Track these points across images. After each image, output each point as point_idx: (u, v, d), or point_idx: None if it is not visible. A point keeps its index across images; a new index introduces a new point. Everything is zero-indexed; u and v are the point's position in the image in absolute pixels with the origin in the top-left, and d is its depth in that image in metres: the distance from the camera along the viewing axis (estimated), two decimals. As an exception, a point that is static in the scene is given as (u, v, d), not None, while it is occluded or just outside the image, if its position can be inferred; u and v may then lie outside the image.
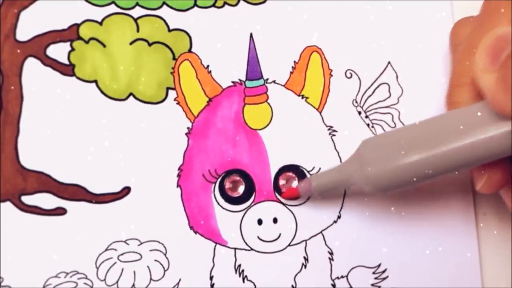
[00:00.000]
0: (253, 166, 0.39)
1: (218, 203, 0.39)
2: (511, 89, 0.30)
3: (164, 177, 0.39)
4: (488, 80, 0.31)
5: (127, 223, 0.38)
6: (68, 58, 0.39)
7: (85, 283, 0.38)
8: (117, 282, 0.38)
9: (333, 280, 0.39)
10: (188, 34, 0.40)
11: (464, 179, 0.39)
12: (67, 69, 0.39)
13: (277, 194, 0.39)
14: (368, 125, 0.40)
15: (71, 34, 0.39)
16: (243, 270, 0.38)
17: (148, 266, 0.38)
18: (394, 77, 0.40)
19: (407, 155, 0.33)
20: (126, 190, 0.39)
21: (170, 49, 0.40)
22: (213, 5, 0.40)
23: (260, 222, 0.39)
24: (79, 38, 0.39)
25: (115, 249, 0.38)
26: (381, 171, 0.33)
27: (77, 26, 0.40)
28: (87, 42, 0.39)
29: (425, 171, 0.33)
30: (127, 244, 0.38)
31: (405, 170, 0.33)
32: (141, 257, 0.38)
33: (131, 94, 0.39)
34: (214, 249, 0.39)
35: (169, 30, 0.40)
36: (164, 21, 0.40)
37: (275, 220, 0.39)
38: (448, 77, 0.36)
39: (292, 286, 0.38)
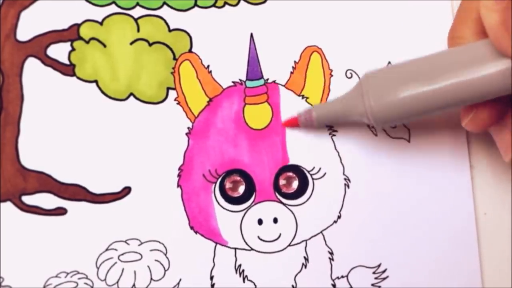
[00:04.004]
0: (253, 166, 0.39)
1: (219, 203, 0.39)
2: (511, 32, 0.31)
3: (164, 177, 0.39)
4: (492, 18, 0.32)
5: (127, 223, 0.39)
6: (69, 58, 0.39)
7: (86, 283, 0.38)
8: (117, 282, 0.38)
9: (333, 280, 0.39)
10: (188, 34, 0.40)
11: (464, 178, 0.39)
12: (68, 69, 0.39)
13: (277, 194, 0.39)
14: (368, 125, 0.40)
15: (71, 34, 0.39)
16: (243, 270, 0.38)
17: (148, 266, 0.38)
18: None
19: (408, 89, 0.34)
20: (126, 190, 0.39)
21: (171, 49, 0.40)
22: (214, 5, 0.40)
23: (260, 222, 0.39)
24: (80, 38, 0.39)
25: (116, 249, 0.38)
26: (381, 104, 0.34)
27: (77, 26, 0.40)
28: (87, 42, 0.39)
29: (424, 105, 0.34)
30: (128, 244, 0.38)
31: (405, 104, 0.34)
32: (142, 257, 0.38)
33: (131, 94, 0.39)
34: (215, 249, 0.39)
35: (170, 30, 0.40)
36: (165, 21, 0.40)
37: (275, 220, 0.39)
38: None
39: (292, 286, 0.38)
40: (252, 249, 0.39)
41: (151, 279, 0.38)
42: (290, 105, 0.39)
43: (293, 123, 0.39)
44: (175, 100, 0.39)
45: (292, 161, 0.39)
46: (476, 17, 0.34)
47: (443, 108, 0.34)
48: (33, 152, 0.39)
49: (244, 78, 0.40)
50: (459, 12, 0.36)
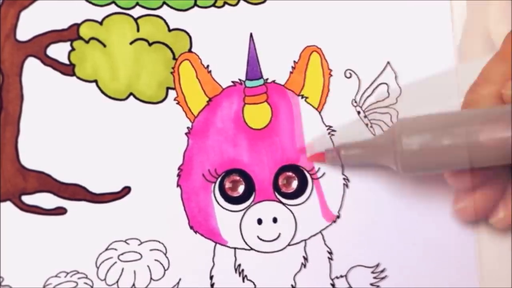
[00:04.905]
0: (252, 165, 0.39)
1: (218, 203, 0.39)
2: None
3: (164, 177, 0.39)
4: None
5: (127, 222, 0.39)
6: (68, 58, 0.39)
7: (85, 283, 0.38)
8: (117, 281, 0.38)
9: (332, 280, 0.39)
10: (188, 34, 0.40)
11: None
12: (67, 69, 0.39)
13: (277, 194, 0.39)
14: (367, 125, 0.40)
15: (71, 34, 0.39)
16: (243, 270, 0.39)
17: (148, 266, 0.38)
18: (393, 77, 0.40)
19: (441, 142, 0.35)
20: (126, 190, 0.39)
21: (170, 49, 0.40)
22: (213, 5, 0.40)
23: (260, 221, 0.39)
24: (79, 38, 0.39)
25: (115, 249, 0.38)
26: (413, 154, 0.35)
27: (77, 26, 0.40)
28: (87, 42, 0.39)
29: (455, 160, 0.35)
30: (127, 243, 0.38)
31: (437, 156, 0.35)
32: (141, 256, 0.38)
33: (131, 94, 0.39)
34: (214, 248, 0.39)
35: (169, 30, 0.40)
36: (164, 21, 0.40)
37: (274, 220, 0.39)
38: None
39: (292, 285, 0.39)
40: (251, 248, 0.39)
41: (151, 278, 0.38)
42: (290, 105, 0.40)
43: (319, 158, 0.39)
44: (174, 100, 0.40)
45: (292, 161, 0.39)
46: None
47: (474, 163, 0.35)
48: (33, 152, 0.39)
49: (243, 78, 0.40)
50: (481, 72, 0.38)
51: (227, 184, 0.39)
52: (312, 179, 0.39)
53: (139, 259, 0.38)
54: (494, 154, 0.34)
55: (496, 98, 0.36)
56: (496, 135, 0.34)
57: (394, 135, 0.36)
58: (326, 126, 0.40)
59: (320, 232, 0.39)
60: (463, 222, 0.39)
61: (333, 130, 0.40)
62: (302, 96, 0.40)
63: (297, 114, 0.40)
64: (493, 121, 0.34)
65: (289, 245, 0.39)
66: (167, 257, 0.38)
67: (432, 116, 0.36)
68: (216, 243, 0.39)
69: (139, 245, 0.38)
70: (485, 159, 0.35)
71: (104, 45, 0.39)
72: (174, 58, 0.40)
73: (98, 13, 0.40)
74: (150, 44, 0.40)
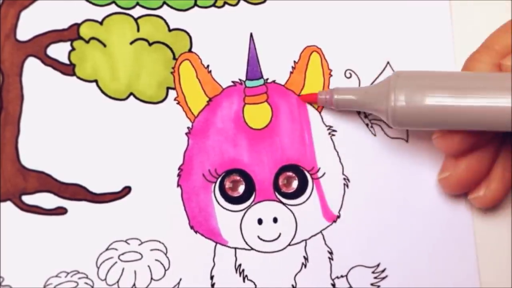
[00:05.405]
0: (253, 165, 0.39)
1: (218, 203, 0.39)
2: None
3: (164, 176, 0.39)
4: None
5: (127, 222, 0.39)
6: (69, 58, 0.39)
7: (86, 283, 0.38)
8: (117, 281, 0.38)
9: (332, 280, 0.39)
10: (188, 34, 0.40)
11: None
12: (68, 69, 0.39)
13: (277, 194, 0.39)
14: (367, 124, 0.40)
15: (71, 33, 0.39)
16: (243, 270, 0.39)
17: (148, 266, 0.38)
18: (393, 77, 0.40)
19: (435, 98, 0.34)
20: (126, 190, 0.39)
21: (170, 48, 0.40)
22: (213, 5, 0.40)
23: (260, 221, 0.39)
24: (80, 37, 0.39)
25: (116, 249, 0.38)
26: (407, 107, 0.34)
27: (77, 25, 0.40)
28: (87, 41, 0.39)
29: (449, 119, 0.34)
30: (128, 243, 0.38)
31: (430, 113, 0.34)
32: (142, 256, 0.38)
33: (131, 94, 0.39)
34: (215, 248, 0.39)
35: (170, 30, 0.40)
36: (165, 21, 0.40)
37: (275, 220, 0.39)
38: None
39: (292, 285, 0.39)
40: (252, 248, 0.39)
41: (152, 278, 0.38)
42: (290, 105, 0.40)
43: (312, 98, 0.39)
44: (174, 100, 0.40)
45: (292, 160, 0.39)
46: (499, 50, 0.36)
47: (464, 125, 0.34)
48: (33, 152, 0.39)
49: (243, 78, 0.40)
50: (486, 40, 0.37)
51: (227, 184, 0.39)
52: (313, 179, 0.39)
53: (140, 259, 0.38)
54: (489, 119, 0.34)
55: (495, 67, 0.36)
56: (494, 99, 0.33)
57: (389, 87, 0.35)
58: (326, 126, 0.40)
59: (321, 232, 0.39)
60: (446, 192, 0.39)
61: (334, 130, 0.40)
62: (303, 96, 0.40)
63: (297, 114, 0.40)
64: (491, 86, 0.34)
65: (289, 245, 0.39)
66: (167, 257, 0.38)
67: (430, 73, 0.36)
68: (216, 243, 0.39)
69: (139, 245, 0.38)
70: (479, 122, 0.34)
71: (104, 45, 0.39)
72: (174, 58, 0.40)
73: (98, 13, 0.40)
74: (150, 44, 0.40)
